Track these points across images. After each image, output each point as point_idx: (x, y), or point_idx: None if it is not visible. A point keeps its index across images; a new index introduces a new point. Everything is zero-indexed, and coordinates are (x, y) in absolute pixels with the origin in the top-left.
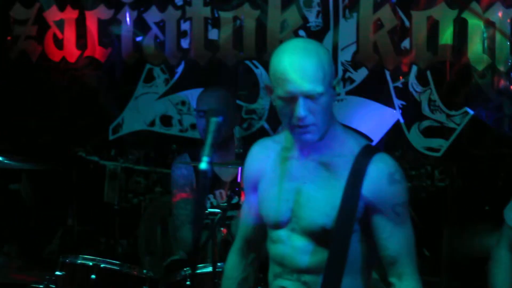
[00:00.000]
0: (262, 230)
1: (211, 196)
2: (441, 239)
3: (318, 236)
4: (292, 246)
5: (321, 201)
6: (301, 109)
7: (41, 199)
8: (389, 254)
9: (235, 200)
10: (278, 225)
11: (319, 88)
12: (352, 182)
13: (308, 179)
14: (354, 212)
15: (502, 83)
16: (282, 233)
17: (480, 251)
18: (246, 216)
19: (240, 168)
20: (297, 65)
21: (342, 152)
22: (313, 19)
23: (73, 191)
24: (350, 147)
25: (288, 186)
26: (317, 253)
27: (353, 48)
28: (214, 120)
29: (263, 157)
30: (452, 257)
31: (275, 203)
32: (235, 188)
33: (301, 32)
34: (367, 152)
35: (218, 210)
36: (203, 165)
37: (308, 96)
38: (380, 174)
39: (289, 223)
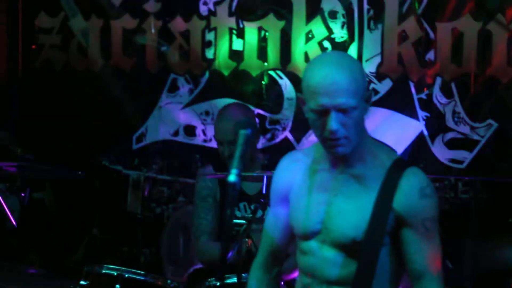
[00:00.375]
0: (287, 243)
1: (235, 208)
2: (464, 251)
3: (349, 248)
4: (323, 258)
5: (352, 213)
6: (333, 123)
7: (64, 208)
8: (416, 268)
9: (259, 213)
10: (308, 236)
11: (351, 102)
12: (383, 195)
13: (339, 191)
14: (385, 225)
15: None
16: (313, 244)
17: (504, 263)
18: (272, 229)
19: (265, 178)
20: (330, 78)
21: (374, 165)
22: (338, 30)
23: (97, 200)
24: (382, 161)
25: (319, 198)
26: (347, 265)
27: (377, 59)
28: (243, 133)
29: (293, 169)
30: (475, 269)
31: (306, 215)
32: (260, 200)
33: (326, 43)
34: (399, 165)
35: (244, 222)
36: (232, 178)
37: (341, 110)
38: (412, 188)
39: (319, 234)
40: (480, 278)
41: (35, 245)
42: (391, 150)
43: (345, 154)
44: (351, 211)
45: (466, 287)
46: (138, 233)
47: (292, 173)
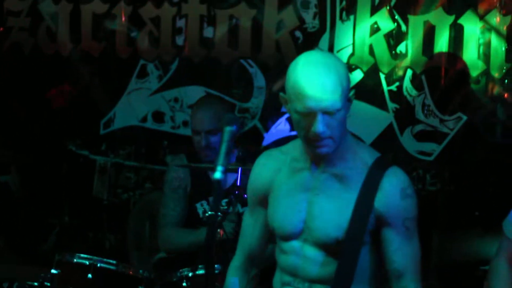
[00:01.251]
0: (265, 244)
1: (204, 202)
2: (430, 243)
3: (331, 247)
4: (305, 257)
5: (334, 212)
6: (320, 125)
7: (30, 192)
8: (396, 268)
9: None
10: (290, 236)
11: (337, 104)
12: (364, 194)
13: (321, 190)
14: (366, 224)
15: (496, 89)
16: (295, 244)
17: (469, 256)
18: (250, 230)
19: (240, 170)
20: (316, 81)
21: (355, 164)
22: (310, 20)
23: (63, 185)
24: (363, 159)
25: (300, 197)
26: (329, 263)
27: (349, 50)
28: (229, 130)
29: (272, 169)
30: (442, 261)
31: (287, 214)
32: (235, 191)
33: (297, 33)
34: (380, 165)
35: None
36: (218, 175)
37: (327, 112)
38: (393, 188)
39: (301, 234)
40: (446, 270)
41: (2, 230)
42: (372, 149)
43: (329, 154)
44: (333, 210)
45: (432, 279)
46: (103, 218)
47: (271, 172)
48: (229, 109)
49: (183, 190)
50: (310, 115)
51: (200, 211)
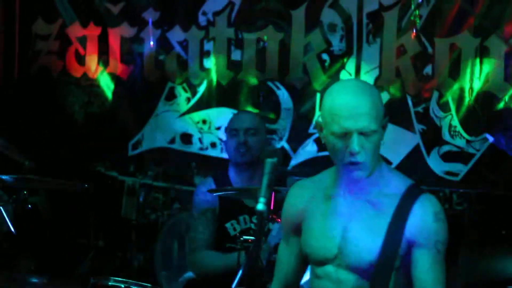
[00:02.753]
0: (301, 273)
1: (234, 221)
2: (457, 263)
3: (364, 271)
4: (338, 281)
5: (368, 237)
6: (355, 145)
7: (59, 214)
8: (425, 287)
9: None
10: (324, 262)
11: (373, 126)
12: (397, 219)
13: (355, 216)
14: (398, 248)
15: None
16: (328, 268)
17: (497, 274)
18: (285, 259)
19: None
20: (353, 103)
21: (389, 191)
22: (337, 43)
23: (93, 207)
24: (396, 186)
25: (334, 223)
26: (362, 286)
27: (375, 72)
28: (270, 161)
29: (305, 197)
30: (469, 280)
31: (321, 240)
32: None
33: (324, 56)
34: (413, 191)
35: (253, 238)
36: (260, 206)
37: (362, 133)
38: (426, 212)
39: (335, 259)
40: None
41: (30, 251)
42: (405, 176)
43: (363, 178)
44: (367, 235)
45: None
46: (132, 238)
47: (304, 201)
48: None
49: (211, 212)
50: (346, 136)
51: (230, 230)
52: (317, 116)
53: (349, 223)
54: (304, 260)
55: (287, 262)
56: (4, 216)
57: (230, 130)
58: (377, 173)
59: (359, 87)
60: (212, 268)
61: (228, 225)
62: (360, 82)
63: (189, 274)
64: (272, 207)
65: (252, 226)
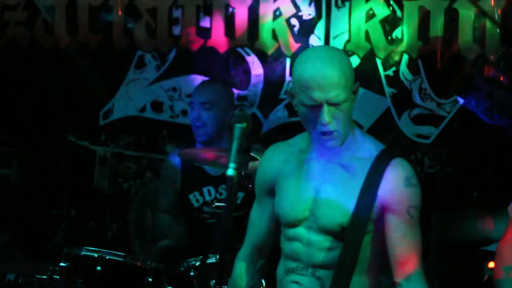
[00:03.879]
0: (273, 235)
1: (197, 193)
2: (430, 225)
3: (335, 233)
4: (309, 243)
5: (340, 200)
6: (325, 116)
7: (31, 184)
8: (399, 254)
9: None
10: (296, 223)
11: (342, 95)
12: (369, 183)
13: (327, 179)
14: (370, 212)
15: (492, 72)
16: (300, 230)
17: (469, 236)
18: (258, 220)
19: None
20: (321, 73)
21: (361, 155)
22: (306, 8)
23: (64, 176)
24: (369, 150)
25: (307, 186)
26: (333, 249)
27: (345, 36)
28: (239, 126)
29: (279, 161)
30: (441, 242)
31: (293, 202)
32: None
33: (293, 21)
34: (386, 155)
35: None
36: (230, 171)
37: (332, 103)
38: (398, 177)
39: (306, 220)
40: (445, 251)
41: (3, 223)
42: (377, 141)
43: (336, 146)
44: (339, 198)
45: (432, 260)
46: (105, 208)
47: (278, 164)
48: (230, 89)
49: (172, 180)
50: (316, 107)
51: (193, 201)
52: (287, 83)
53: (322, 186)
54: (276, 223)
55: (258, 223)
56: None
57: (189, 102)
58: (350, 137)
59: (327, 56)
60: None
61: (191, 196)
62: (328, 50)
63: (164, 243)
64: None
65: (218, 196)
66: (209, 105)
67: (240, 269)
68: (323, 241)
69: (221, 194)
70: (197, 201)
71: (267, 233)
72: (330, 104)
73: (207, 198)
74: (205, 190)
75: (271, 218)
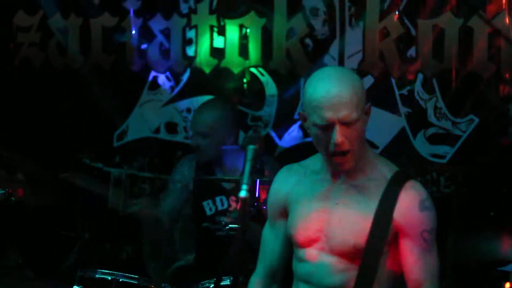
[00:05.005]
0: (286, 256)
1: (210, 201)
2: (446, 245)
3: (348, 255)
4: (321, 265)
5: (353, 221)
6: (338, 135)
7: (44, 206)
8: (414, 278)
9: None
10: (307, 244)
11: (354, 114)
12: (384, 205)
13: (340, 200)
14: (386, 234)
15: (507, 90)
16: (311, 252)
17: (485, 256)
18: (271, 245)
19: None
20: (333, 92)
21: (374, 176)
22: (320, 28)
23: (77, 198)
24: (382, 172)
25: (319, 207)
26: (344, 271)
27: (359, 56)
28: (252, 148)
29: (291, 182)
30: (457, 262)
31: (305, 222)
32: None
33: (307, 40)
34: (400, 178)
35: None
36: (243, 193)
37: (344, 123)
38: (412, 200)
39: (318, 242)
40: (461, 271)
41: (16, 245)
42: (391, 162)
43: (349, 167)
44: (352, 219)
45: (447, 280)
46: (119, 230)
47: (291, 185)
48: (233, 111)
49: (183, 185)
50: (328, 127)
51: (206, 209)
52: (302, 103)
53: (335, 207)
54: (289, 246)
55: (271, 246)
56: None
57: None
58: (362, 158)
59: (338, 76)
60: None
61: (204, 203)
62: (339, 70)
63: (178, 264)
64: (257, 195)
65: (229, 208)
66: (206, 134)
67: None
68: (336, 263)
69: (230, 206)
70: (210, 209)
71: (280, 257)
72: (343, 123)
73: (220, 207)
74: (217, 199)
75: (284, 241)
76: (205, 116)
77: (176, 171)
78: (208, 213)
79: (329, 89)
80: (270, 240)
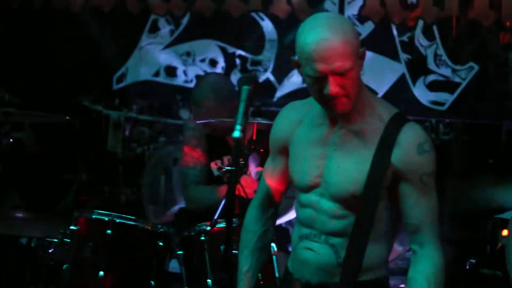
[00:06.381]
0: (284, 190)
1: (218, 161)
2: (444, 192)
3: (347, 201)
4: (322, 210)
5: (351, 168)
6: (332, 87)
7: (44, 148)
8: (413, 222)
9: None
10: (307, 189)
11: (348, 64)
12: (381, 150)
13: (339, 146)
14: (383, 179)
15: (508, 38)
16: (312, 197)
17: (484, 203)
18: (269, 176)
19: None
20: (324, 44)
21: (373, 119)
22: None
23: (77, 140)
24: (380, 115)
25: (318, 152)
26: (346, 217)
27: (359, 1)
28: (246, 88)
29: (293, 121)
30: (455, 209)
31: (305, 168)
32: (251, 146)
33: None
34: (398, 120)
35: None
36: (237, 133)
37: (338, 73)
38: (410, 144)
39: (318, 188)
40: (459, 217)
41: (17, 186)
42: (390, 104)
43: (345, 112)
44: (350, 165)
45: (445, 226)
46: (118, 173)
47: (292, 124)
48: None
49: (201, 148)
50: (321, 78)
51: (214, 170)
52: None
53: (333, 153)
54: (287, 180)
55: (270, 176)
56: None
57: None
58: (360, 102)
59: (329, 25)
60: (204, 203)
61: (212, 164)
62: (331, 18)
63: (176, 208)
64: (254, 137)
65: None
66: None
67: (252, 216)
68: (336, 209)
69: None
70: (218, 169)
71: (277, 188)
72: (336, 74)
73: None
74: (225, 159)
75: (282, 174)
76: (206, 92)
77: (188, 137)
78: (215, 173)
79: (320, 40)
80: (268, 172)
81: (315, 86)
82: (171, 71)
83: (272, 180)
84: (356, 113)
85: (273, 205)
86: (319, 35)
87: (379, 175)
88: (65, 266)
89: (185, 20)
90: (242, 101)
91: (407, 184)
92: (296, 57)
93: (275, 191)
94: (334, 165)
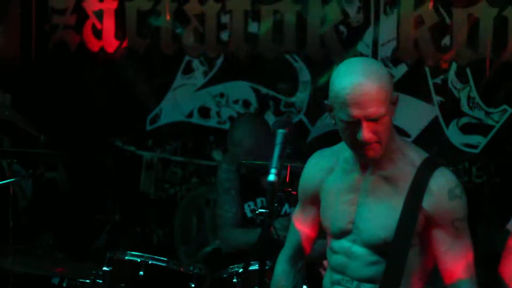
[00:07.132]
0: (313, 239)
1: (251, 203)
2: (476, 235)
3: (379, 247)
4: (354, 256)
5: (383, 214)
6: (365, 133)
7: (77, 188)
8: (448, 268)
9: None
10: (339, 236)
11: (381, 110)
12: (413, 196)
13: (370, 192)
14: (414, 225)
15: None
16: (344, 243)
17: None
18: (299, 225)
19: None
20: (359, 89)
21: (403, 165)
22: (354, 15)
23: (110, 181)
24: (411, 160)
25: (349, 199)
26: (378, 263)
27: (393, 44)
28: (281, 132)
29: (324, 169)
30: (488, 252)
31: (337, 215)
32: (284, 189)
33: (341, 27)
34: (428, 166)
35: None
36: (271, 177)
37: (371, 119)
38: (441, 189)
39: (350, 234)
40: (491, 262)
41: (50, 227)
42: (420, 149)
43: (376, 158)
44: (382, 212)
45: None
46: (151, 213)
47: (322, 172)
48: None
49: (235, 190)
50: (354, 123)
51: (247, 211)
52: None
53: (365, 199)
54: (317, 229)
55: (300, 227)
56: (22, 190)
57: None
58: (391, 148)
59: (364, 70)
60: (240, 245)
61: (245, 205)
62: (366, 63)
63: (209, 249)
64: (288, 180)
65: None
66: (249, 150)
67: (282, 270)
68: (368, 255)
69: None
70: (251, 211)
71: (307, 238)
72: (369, 120)
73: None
74: (258, 201)
75: (312, 223)
76: (246, 133)
77: (223, 180)
78: (249, 214)
79: (356, 85)
80: (298, 222)
81: (347, 131)
82: (204, 112)
83: (302, 232)
84: (386, 159)
85: (302, 258)
86: (354, 80)
87: (411, 221)
88: None
89: (219, 62)
90: (277, 145)
91: (439, 230)
92: (329, 101)
93: (306, 239)
94: (365, 211)
